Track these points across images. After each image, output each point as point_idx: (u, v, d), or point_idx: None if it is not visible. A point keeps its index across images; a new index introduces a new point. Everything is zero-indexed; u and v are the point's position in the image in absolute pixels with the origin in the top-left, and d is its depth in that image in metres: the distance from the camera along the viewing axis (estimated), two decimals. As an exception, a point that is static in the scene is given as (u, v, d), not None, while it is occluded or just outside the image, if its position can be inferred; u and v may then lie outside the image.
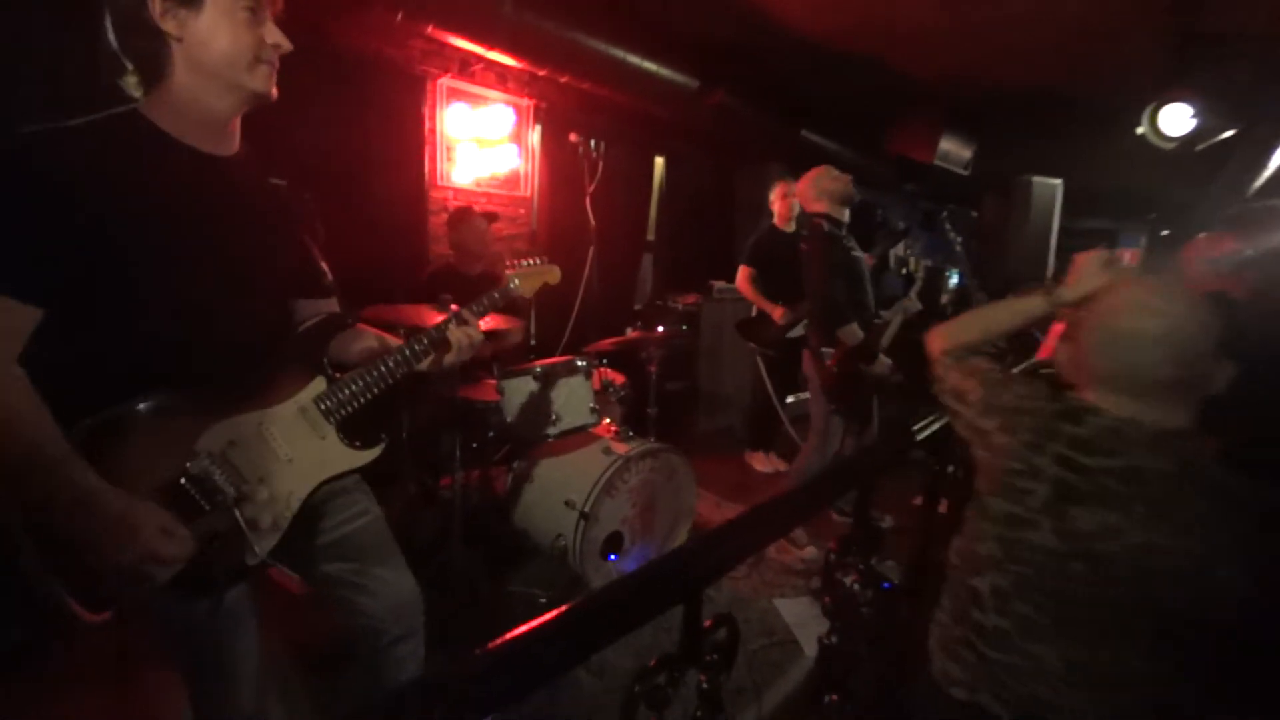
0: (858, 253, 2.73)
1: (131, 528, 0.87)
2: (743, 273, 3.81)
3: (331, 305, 1.28)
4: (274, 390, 1.12)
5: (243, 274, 1.07)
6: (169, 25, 0.95)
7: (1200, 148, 3.33)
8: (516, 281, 1.50)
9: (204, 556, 0.98)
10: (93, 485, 0.87)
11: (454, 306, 2.13)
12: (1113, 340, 0.94)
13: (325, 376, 1.17)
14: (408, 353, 1.24)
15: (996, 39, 3.31)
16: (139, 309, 0.96)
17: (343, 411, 1.18)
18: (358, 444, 1.20)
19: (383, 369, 1.21)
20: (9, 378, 0.87)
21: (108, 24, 0.97)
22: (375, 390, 1.21)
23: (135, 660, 1.78)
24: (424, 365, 1.28)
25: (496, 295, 1.44)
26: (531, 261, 1.54)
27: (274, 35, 1.02)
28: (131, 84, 1.00)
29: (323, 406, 1.16)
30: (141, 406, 0.95)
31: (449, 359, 1.32)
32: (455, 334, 1.30)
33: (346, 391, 1.18)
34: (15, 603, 1.80)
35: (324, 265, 1.25)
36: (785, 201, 3.81)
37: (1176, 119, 3.26)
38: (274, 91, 1.05)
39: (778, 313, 3.65)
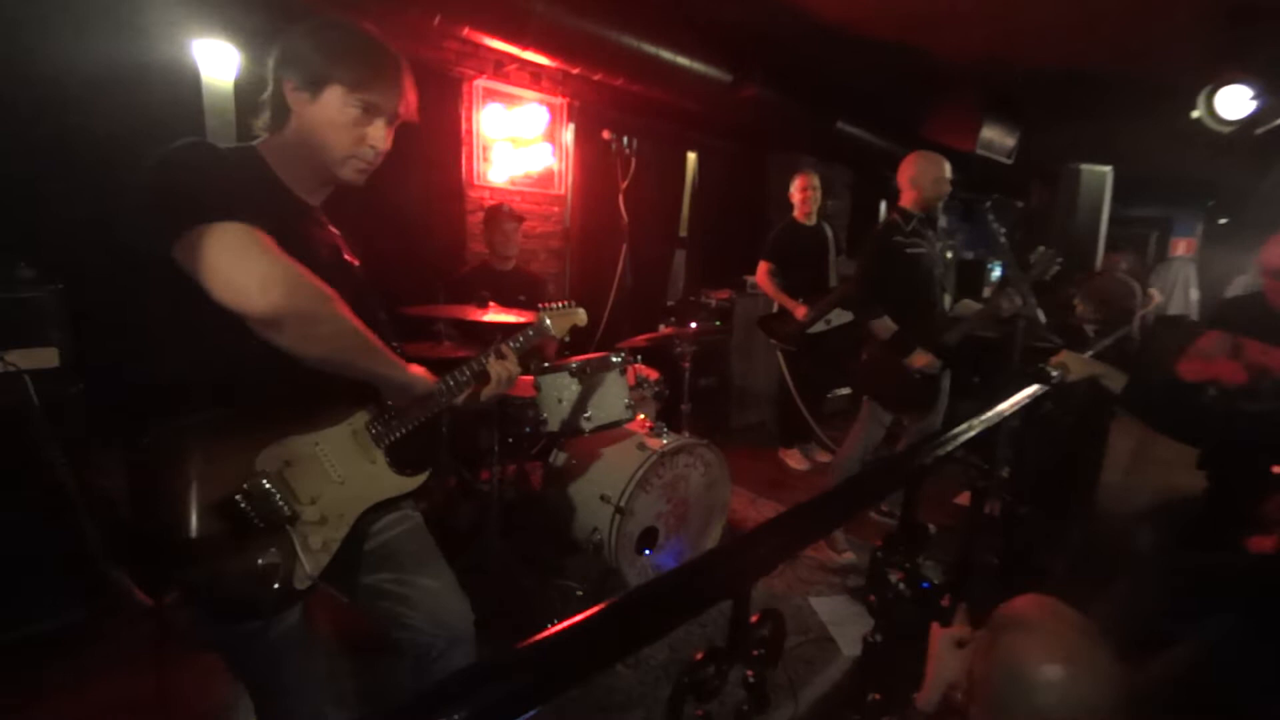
0: (917, 249, 2.59)
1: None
2: (762, 267, 3.78)
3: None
4: (328, 413, 1.15)
5: None
6: (292, 101, 1.06)
7: (1260, 131, 3.16)
8: (548, 321, 1.57)
9: (257, 575, 1.00)
10: (409, 379, 1.16)
11: (491, 304, 2.18)
12: (1008, 678, 0.82)
13: (376, 402, 1.21)
14: (450, 384, 1.28)
15: (1040, 16, 3.18)
16: (221, 327, 0.98)
17: (392, 436, 1.21)
18: (405, 470, 1.24)
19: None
20: (322, 295, 1.00)
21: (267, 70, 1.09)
22: (422, 417, 1.25)
23: (193, 644, 1.86)
24: (462, 398, 1.33)
25: (531, 332, 1.51)
26: (561, 305, 1.63)
27: (376, 138, 1.12)
28: (259, 124, 1.12)
29: (374, 430, 1.19)
30: (209, 419, 0.99)
31: (487, 392, 1.35)
32: (495, 368, 1.34)
33: (396, 418, 1.22)
34: (79, 584, 1.92)
35: (379, 308, 1.30)
36: (805, 194, 3.75)
37: (1235, 101, 3.09)
38: (361, 181, 1.15)
39: (800, 310, 3.61)
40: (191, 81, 2.39)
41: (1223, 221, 6.70)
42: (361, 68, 1.08)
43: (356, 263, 1.28)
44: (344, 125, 1.08)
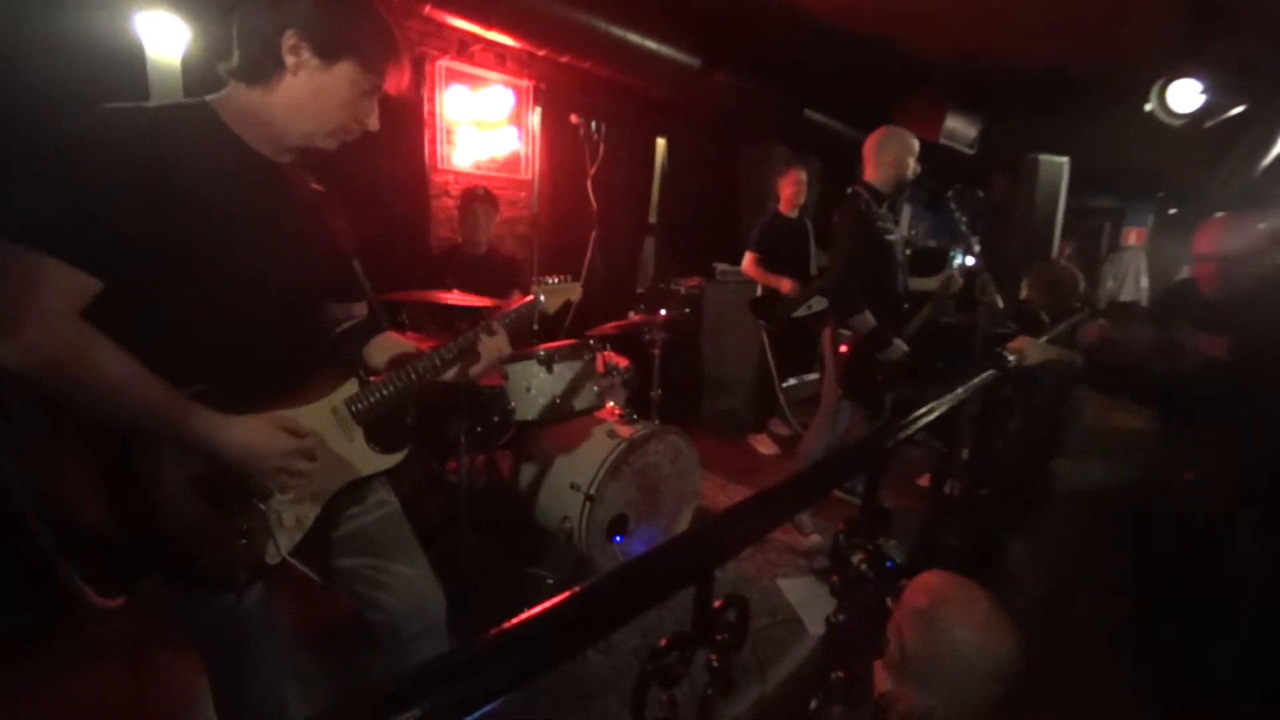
0: (892, 235, 2.56)
1: (259, 455, 0.97)
2: (749, 258, 3.85)
3: (361, 309, 1.31)
4: (308, 388, 1.12)
5: (287, 273, 1.07)
6: (289, 59, 0.98)
7: (1209, 125, 3.28)
8: (543, 297, 1.52)
9: (229, 550, 0.98)
10: (206, 431, 0.93)
11: (456, 291, 2.14)
12: (933, 640, 0.95)
13: (358, 379, 1.18)
14: (436, 360, 1.25)
15: (1005, 13, 3.25)
16: (185, 296, 0.95)
17: (372, 414, 1.18)
18: (382, 449, 1.22)
19: (411, 375, 1.22)
20: (86, 342, 0.86)
21: (237, 15, 0.99)
22: (404, 395, 1.22)
23: (155, 643, 1.81)
24: (450, 374, 1.29)
25: (524, 308, 1.47)
26: (556, 279, 1.57)
27: (372, 117, 1.09)
28: (225, 68, 1.01)
29: (353, 408, 1.16)
30: (185, 395, 0.94)
31: (475, 369, 1.32)
32: (485, 344, 1.31)
33: (377, 395, 1.18)
34: (26, 586, 1.83)
35: (358, 268, 1.25)
36: (796, 188, 3.82)
37: (1185, 95, 3.21)
38: (333, 148, 1.10)
39: (786, 284, 3.66)
40: (135, 57, 2.26)
41: (1172, 212, 6.96)
42: (380, 49, 1.04)
43: (343, 225, 1.23)
44: (348, 101, 1.04)
